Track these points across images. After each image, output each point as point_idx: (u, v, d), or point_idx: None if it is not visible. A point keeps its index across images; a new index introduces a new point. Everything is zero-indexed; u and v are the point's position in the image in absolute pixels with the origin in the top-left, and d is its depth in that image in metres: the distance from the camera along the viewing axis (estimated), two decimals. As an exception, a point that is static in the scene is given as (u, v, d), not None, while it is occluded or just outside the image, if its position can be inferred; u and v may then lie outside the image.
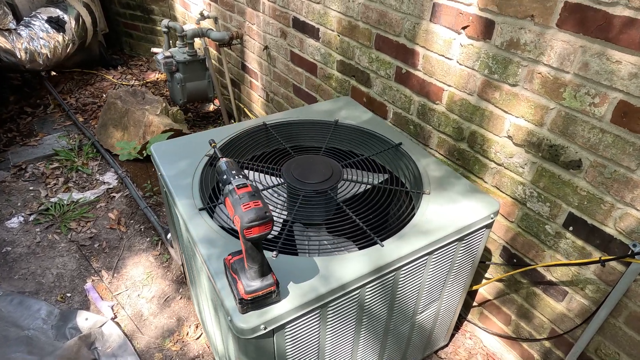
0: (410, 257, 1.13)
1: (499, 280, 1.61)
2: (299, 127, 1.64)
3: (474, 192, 1.32)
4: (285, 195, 1.36)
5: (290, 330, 1.01)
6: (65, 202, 2.57)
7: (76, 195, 2.63)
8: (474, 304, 1.78)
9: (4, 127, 3.19)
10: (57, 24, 3.34)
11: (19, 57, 3.06)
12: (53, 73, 3.95)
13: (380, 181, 1.47)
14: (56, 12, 3.39)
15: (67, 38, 3.40)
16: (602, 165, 1.17)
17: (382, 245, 1.12)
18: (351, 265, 1.07)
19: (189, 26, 3.07)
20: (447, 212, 1.24)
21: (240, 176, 0.85)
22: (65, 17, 3.41)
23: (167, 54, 2.83)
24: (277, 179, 1.39)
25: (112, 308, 2.02)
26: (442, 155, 1.66)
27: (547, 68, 1.21)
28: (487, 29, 1.33)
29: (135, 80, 3.93)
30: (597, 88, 1.12)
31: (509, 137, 1.39)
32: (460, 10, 1.38)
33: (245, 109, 3.17)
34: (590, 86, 1.13)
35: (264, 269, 0.88)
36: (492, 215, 1.26)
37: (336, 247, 1.24)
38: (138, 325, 1.96)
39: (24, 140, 3.07)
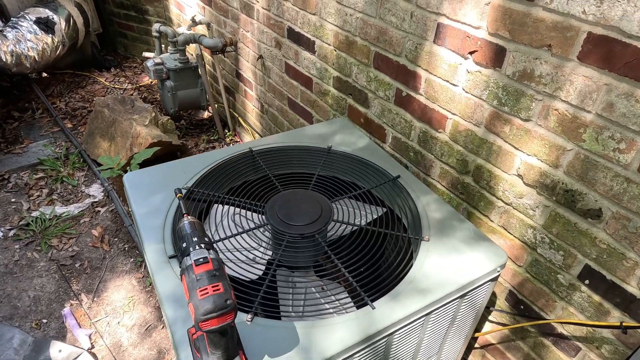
0: (405, 320, 0.99)
1: (504, 325, 1.47)
2: (288, 154, 1.50)
3: (479, 239, 1.18)
4: (269, 235, 1.22)
5: (264, 411, 0.88)
6: (47, 216, 2.45)
7: (59, 209, 2.51)
8: (476, 345, 1.64)
9: (-11, 133, 3.07)
10: (46, 25, 3.20)
11: (4, 60, 2.93)
12: (44, 74, 3.82)
13: (374, 218, 1.34)
14: (45, 12, 3.25)
15: (56, 40, 3.26)
16: (626, 217, 1.03)
17: (374, 308, 0.99)
18: (337, 334, 0.93)
19: (183, 29, 2.93)
20: (448, 265, 1.10)
21: (202, 246, 0.72)
22: (55, 18, 3.28)
23: (158, 60, 2.69)
24: (261, 216, 1.26)
25: (89, 337, 1.90)
26: (444, 187, 1.52)
27: (565, 105, 1.06)
28: (497, 57, 1.18)
29: (128, 83, 3.79)
30: (624, 132, 0.97)
31: (519, 175, 1.24)
32: (468, 33, 1.23)
33: (240, 118, 3.03)
34: (615, 129, 0.99)
35: (230, 353, 0.75)
36: (498, 269, 1.12)
37: (320, 311, 1.10)
38: (117, 356, 1.84)
39: (8, 148, 2.95)
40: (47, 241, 2.31)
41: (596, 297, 1.16)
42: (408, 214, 1.31)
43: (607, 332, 1.16)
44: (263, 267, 1.17)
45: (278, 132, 2.55)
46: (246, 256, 1.20)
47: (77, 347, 1.84)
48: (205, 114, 3.36)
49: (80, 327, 1.93)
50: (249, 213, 1.29)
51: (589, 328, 1.20)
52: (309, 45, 1.97)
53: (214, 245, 0.75)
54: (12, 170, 2.77)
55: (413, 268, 1.09)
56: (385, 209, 1.39)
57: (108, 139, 2.65)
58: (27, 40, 3.07)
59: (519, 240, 1.32)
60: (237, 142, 3.10)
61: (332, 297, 1.15)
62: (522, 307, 1.39)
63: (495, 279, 1.16)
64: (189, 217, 0.80)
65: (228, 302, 0.64)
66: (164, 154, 2.78)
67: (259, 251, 1.20)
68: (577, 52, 1.00)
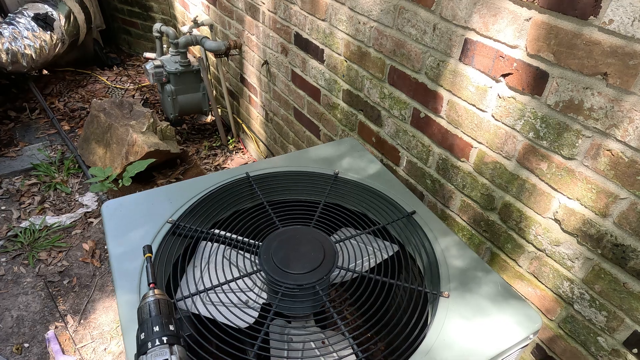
0: (419, 403, 0.83)
1: (529, 381, 1.30)
2: (290, 181, 1.34)
3: (508, 297, 1.00)
4: (263, 279, 1.06)
5: None
6: (37, 227, 2.31)
7: (50, 219, 2.38)
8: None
9: (-16, 134, 2.95)
10: (44, 22, 3.06)
11: (-1, 58, 2.80)
12: (45, 72, 3.69)
13: (384, 258, 1.17)
14: (44, 8, 3.11)
15: (55, 37, 3.12)
16: (692, 285, 0.85)
17: (382, 388, 0.82)
18: (337, 423, 0.77)
19: (187, 28, 2.77)
20: (472, 331, 0.93)
21: (165, 340, 0.55)
22: (55, 14, 3.14)
23: (157, 63, 2.53)
24: (254, 259, 1.09)
25: (72, 365, 1.76)
26: (465, 221, 1.34)
27: (621, 146, 0.88)
28: (536, 82, 1.00)
29: (130, 83, 3.65)
30: (698, 186, 0.79)
31: (557, 220, 1.06)
32: (502, 52, 1.05)
33: (243, 125, 2.87)
34: (686, 181, 0.80)
35: None
36: (531, 336, 0.95)
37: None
38: (100, 388, 1.70)
39: (2, 151, 2.82)
40: (35, 254, 2.18)
41: (646, 370, 0.98)
42: (424, 256, 1.14)
43: (658, 411, 0.98)
44: (256, 313, 1.01)
45: (283, 142, 2.39)
46: (239, 298, 1.04)
47: (58, 376, 1.70)
48: (209, 118, 3.21)
49: (63, 353, 1.80)
50: (241, 253, 1.13)
51: (635, 403, 1.02)
52: (317, 54, 1.80)
53: (182, 337, 0.59)
54: (4, 176, 2.64)
55: (430, 333, 0.92)
56: (397, 247, 1.23)
57: (104, 145, 2.50)
58: (24, 38, 2.94)
59: (551, 292, 1.14)
60: (240, 149, 2.94)
61: (335, 355, 0.99)
62: (551, 365, 1.21)
63: (526, 346, 0.99)
64: (155, 290, 0.64)
65: None
66: (163, 161, 2.64)
67: (253, 292, 1.04)
68: (641, 85, 0.82)
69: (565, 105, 0.95)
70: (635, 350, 0.99)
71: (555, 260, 1.10)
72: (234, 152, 2.92)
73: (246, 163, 2.84)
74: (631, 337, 0.99)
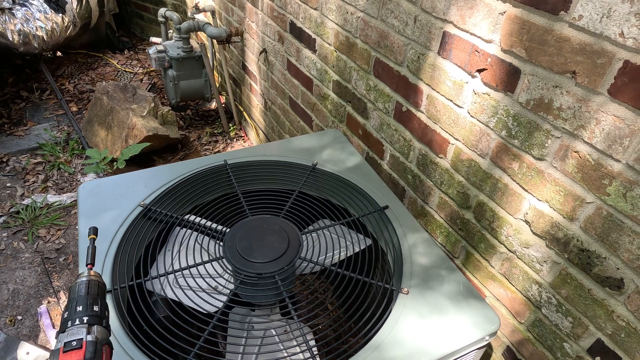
0: (362, 397, 0.83)
1: (499, 383, 1.28)
2: (266, 170, 1.34)
3: (469, 297, 0.99)
4: (229, 269, 1.07)
5: None
6: (39, 204, 2.38)
7: (52, 198, 2.44)
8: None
9: (-5, 112, 3.04)
10: (56, 4, 3.11)
11: (11, 39, 2.87)
12: (58, 53, 3.77)
13: (356, 251, 1.16)
14: (57, -10, 3.16)
15: (67, 19, 3.18)
16: (653, 296, 0.82)
17: (325, 380, 0.82)
18: (274, 411, 0.77)
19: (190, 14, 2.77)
20: (426, 329, 0.92)
21: (85, 320, 0.57)
22: (67, -3, 3.19)
23: (160, 48, 2.55)
24: (219, 245, 1.10)
25: (61, 339, 1.82)
26: (442, 218, 1.32)
27: (588, 148, 0.85)
28: (509, 79, 0.97)
29: (140, 67, 3.69)
30: (661, 193, 0.76)
31: (527, 222, 1.04)
32: (477, 47, 1.02)
33: (245, 112, 2.88)
34: (649, 187, 0.77)
35: None
36: (487, 338, 0.93)
37: None
38: (86, 363, 1.75)
39: (12, 129, 2.91)
40: (35, 231, 2.25)
41: (608, 379, 0.95)
42: (392, 251, 1.13)
43: (618, 421, 0.96)
44: (223, 298, 1.03)
45: (280, 131, 2.39)
46: (208, 284, 1.05)
47: (47, 349, 1.76)
48: (213, 105, 3.23)
49: (54, 327, 1.86)
50: (207, 240, 1.14)
51: (596, 412, 1.00)
52: (310, 43, 1.78)
53: (105, 318, 0.60)
54: (12, 153, 2.72)
55: (383, 329, 0.92)
56: (370, 241, 1.22)
57: (105, 127, 2.55)
58: (36, 20, 3.00)
59: (521, 294, 1.12)
60: (241, 137, 2.96)
61: (297, 348, 0.99)
62: (520, 368, 1.19)
63: (483, 347, 0.97)
64: (91, 271, 0.66)
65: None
66: (164, 146, 2.67)
67: (223, 278, 1.06)
68: (608, 85, 0.78)
69: (536, 104, 0.92)
70: (597, 358, 0.96)
71: (525, 263, 1.08)
72: (235, 140, 2.93)
73: (246, 151, 2.85)
74: (595, 345, 0.96)
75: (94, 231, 0.73)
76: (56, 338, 0.57)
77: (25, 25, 2.94)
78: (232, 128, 2.96)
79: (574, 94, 0.84)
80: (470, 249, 1.25)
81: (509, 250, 1.11)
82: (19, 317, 1.89)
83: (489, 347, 1.29)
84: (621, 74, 0.76)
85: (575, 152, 0.88)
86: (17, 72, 3.45)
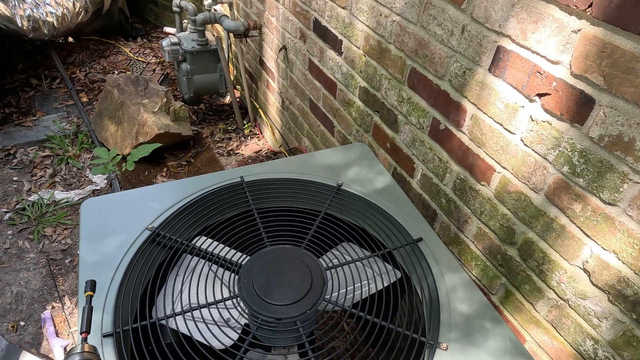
0: None
1: None
2: (287, 189, 1.22)
3: (517, 355, 0.86)
4: (245, 311, 0.95)
5: None
6: (45, 201, 2.30)
7: (59, 195, 2.36)
8: None
9: (4, 100, 2.95)
10: (68, -11, 2.99)
11: (20, 25, 2.76)
12: (70, 39, 3.66)
13: (385, 286, 1.05)
14: (69, -25, 3.03)
15: (78, 5, 3.06)
16: None
17: None
18: None
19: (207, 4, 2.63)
20: (468, 395, 0.80)
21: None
22: (79, -18, 3.06)
23: (174, 40, 2.42)
24: (234, 280, 0.99)
25: (65, 349, 1.74)
26: (479, 250, 1.19)
27: (679, 200, 0.71)
28: (579, 109, 0.82)
29: (153, 56, 3.57)
30: None
31: (586, 270, 0.90)
32: (540, 67, 0.88)
33: (260, 110, 2.75)
34: None
35: None
36: (540, 409, 0.81)
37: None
38: (89, 375, 1.67)
39: (20, 119, 2.82)
40: (40, 230, 2.17)
41: None
42: (426, 293, 1.01)
43: None
44: (235, 335, 0.92)
45: (297, 133, 2.26)
46: (221, 315, 0.95)
47: (50, 359, 1.69)
48: (227, 99, 3.10)
49: (57, 335, 1.78)
50: (221, 271, 1.03)
51: None
52: (335, 44, 1.64)
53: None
54: (20, 145, 2.63)
55: (420, 394, 0.80)
56: (399, 273, 1.10)
57: (115, 122, 2.44)
58: (47, 5, 2.88)
59: (571, 347, 0.99)
60: (256, 134, 2.83)
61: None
62: (562, 423, 1.07)
63: (532, 416, 0.85)
64: (85, 345, 0.55)
65: None
66: (175, 143, 2.56)
67: (237, 310, 0.95)
68: None
69: (612, 141, 0.78)
70: None
71: (579, 314, 0.95)
72: (249, 138, 2.81)
73: (260, 150, 2.73)
74: (661, 418, 0.84)
75: (92, 286, 0.62)
76: None
77: (35, 10, 2.83)
78: (246, 125, 2.84)
79: (666, 136, 0.70)
80: (511, 288, 1.12)
81: (560, 298, 0.98)
82: (22, 323, 1.82)
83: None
84: None
85: (659, 202, 0.74)
86: (27, 58, 3.35)
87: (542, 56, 0.87)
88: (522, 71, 0.92)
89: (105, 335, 0.84)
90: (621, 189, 0.79)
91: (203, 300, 0.96)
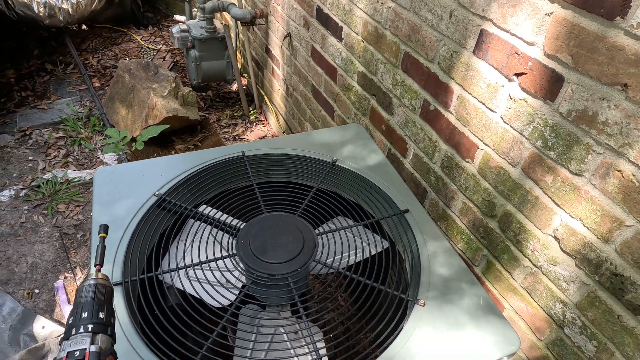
0: (371, 412, 0.80)
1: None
2: (285, 164, 1.30)
3: (488, 313, 0.94)
4: (242, 268, 1.04)
5: None
6: (59, 179, 2.41)
7: (72, 174, 2.47)
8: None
9: (21, 84, 3.06)
10: (82, -23, 3.09)
11: (37, 11, 2.86)
12: (83, 27, 3.77)
13: (372, 254, 1.13)
14: (84, -37, 3.13)
15: (92, -7, 3.16)
16: (692, 331, 0.76)
17: (334, 393, 0.80)
18: (280, 422, 0.76)
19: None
20: (442, 344, 0.88)
21: (90, 328, 0.55)
22: (93, -30, 3.16)
23: (184, 27, 2.51)
24: (232, 242, 1.08)
25: (76, 315, 1.85)
26: (464, 224, 1.27)
27: (633, 168, 0.78)
28: (551, 86, 0.90)
29: (163, 44, 3.67)
30: None
31: (556, 238, 0.98)
32: (517, 49, 0.95)
33: (266, 97, 2.83)
34: (700, 217, 0.70)
35: None
36: (505, 358, 0.89)
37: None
38: (98, 340, 1.78)
39: (35, 102, 2.93)
40: (54, 206, 2.28)
41: (631, 409, 0.91)
42: (410, 259, 1.09)
43: None
44: (232, 295, 1.01)
45: (300, 119, 2.34)
46: (223, 276, 1.03)
47: (62, 324, 1.80)
48: (234, 87, 3.19)
49: (69, 303, 1.89)
50: (221, 235, 1.12)
51: None
52: (336, 31, 1.71)
53: (110, 326, 0.58)
54: (35, 127, 2.75)
55: (396, 341, 0.88)
56: (387, 243, 1.18)
57: (126, 106, 2.54)
58: (62, -8, 2.98)
59: (543, 311, 1.07)
60: (261, 121, 2.92)
61: (306, 348, 0.97)
62: (535, 385, 1.15)
63: (501, 367, 0.93)
64: (99, 274, 0.64)
65: None
66: (183, 126, 2.66)
67: (237, 271, 1.03)
68: (663, 102, 0.71)
69: (578, 116, 0.85)
70: (622, 387, 0.91)
71: (550, 280, 1.02)
72: (255, 124, 2.90)
73: (264, 136, 2.82)
74: (620, 373, 0.91)
75: (105, 229, 0.71)
76: (60, 345, 0.55)
77: (51, -3, 2.93)
78: (252, 112, 2.93)
79: (623, 109, 0.77)
80: (492, 259, 1.20)
81: (534, 265, 1.06)
82: (36, 291, 1.93)
83: None
84: (681, 91, 0.68)
85: (618, 171, 0.81)
86: (42, 44, 3.47)
87: (520, 38, 0.94)
88: (502, 52, 0.99)
89: (115, 284, 0.93)
90: (586, 160, 0.86)
91: (204, 258, 1.05)
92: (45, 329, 1.76)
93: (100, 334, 0.55)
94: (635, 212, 0.80)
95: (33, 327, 1.76)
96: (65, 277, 1.99)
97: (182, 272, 1.03)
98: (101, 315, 0.57)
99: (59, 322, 1.81)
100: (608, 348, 0.92)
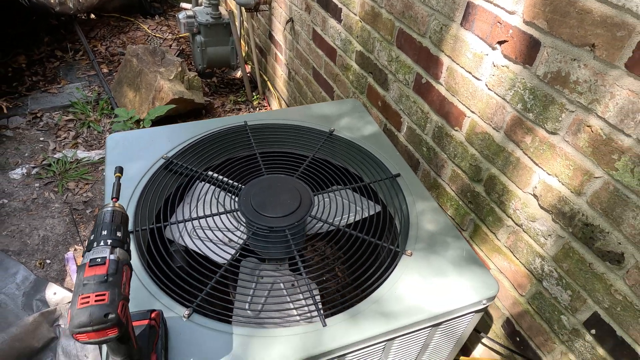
0: (359, 344, 0.88)
1: (497, 352, 1.32)
2: (285, 133, 1.38)
3: (471, 263, 1.02)
4: (243, 223, 1.12)
5: (184, 417, 0.81)
6: (69, 159, 2.50)
7: (81, 154, 2.56)
8: (465, 365, 1.50)
9: (31, 70, 3.16)
10: (92, -34, 3.17)
11: (48, -2, 2.95)
12: (92, 16, 3.86)
13: (365, 216, 1.20)
14: (93, -48, 3.22)
15: (101, -18, 3.24)
16: (651, 271, 0.83)
17: (324, 325, 0.88)
18: (277, 348, 0.84)
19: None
20: (426, 288, 0.96)
21: (109, 242, 0.63)
22: (102, -41, 3.24)
23: (190, 13, 2.59)
24: (235, 199, 1.16)
25: (85, 284, 1.94)
26: (453, 191, 1.35)
27: (601, 122, 0.85)
28: (529, 51, 0.97)
29: (169, 33, 3.75)
30: (668, 168, 0.76)
31: (535, 195, 1.05)
32: (500, 18, 1.02)
33: (268, 82, 2.91)
34: (657, 163, 0.78)
35: (134, 359, 0.67)
36: (484, 302, 0.97)
37: (277, 311, 1.00)
38: (107, 307, 1.88)
39: (46, 87, 3.02)
40: (64, 183, 2.37)
41: (601, 351, 0.98)
42: (400, 216, 1.17)
43: (607, 392, 0.99)
44: (230, 256, 1.09)
45: (302, 102, 2.42)
46: (219, 237, 1.12)
47: (71, 290, 1.89)
48: (238, 73, 3.27)
49: (79, 272, 1.98)
50: (224, 195, 1.20)
51: (586, 383, 1.03)
52: (336, 13, 1.79)
53: (126, 243, 0.66)
54: (46, 110, 2.84)
55: (384, 285, 0.96)
56: (379, 207, 1.25)
57: (134, 89, 2.63)
58: (72, -20, 3.07)
59: (524, 268, 1.14)
60: (264, 106, 3.00)
61: (299, 303, 1.05)
62: (517, 339, 1.23)
63: (481, 311, 1.01)
64: (116, 203, 0.72)
65: (109, 316, 0.55)
66: (188, 110, 2.74)
67: (235, 236, 1.12)
68: (625, 58, 0.78)
69: (553, 77, 0.93)
70: (593, 331, 0.99)
71: (530, 236, 1.10)
72: (258, 109, 2.98)
73: (267, 120, 2.90)
74: (591, 318, 0.99)
75: (120, 170, 0.79)
76: (82, 256, 0.63)
77: (61, -15, 3.02)
78: (255, 97, 3.01)
79: (591, 67, 0.84)
80: (479, 222, 1.27)
81: (516, 224, 1.13)
82: (48, 261, 2.03)
83: (488, 318, 1.33)
84: (639, 47, 0.76)
85: (588, 126, 0.88)
86: (52, 32, 3.56)
87: (502, 8, 1.01)
88: (487, 23, 1.06)
89: (127, 232, 1.02)
90: (560, 119, 0.94)
91: (208, 212, 1.13)
92: (56, 295, 1.85)
93: (118, 248, 0.63)
94: (603, 163, 0.87)
95: (45, 293, 1.85)
96: (75, 249, 2.08)
97: (188, 226, 1.11)
98: (118, 234, 0.65)
99: (69, 289, 1.90)
100: (581, 296, 1.00)
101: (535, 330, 1.16)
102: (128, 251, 0.66)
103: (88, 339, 0.56)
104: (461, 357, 1.38)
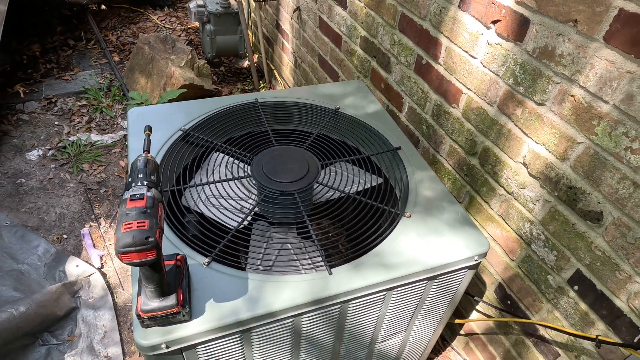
0: (361, 291, 0.97)
1: (488, 316, 1.41)
2: (293, 110, 1.47)
3: (464, 224, 1.11)
4: (255, 189, 1.22)
5: (204, 351, 0.91)
6: (83, 142, 2.60)
7: (95, 137, 2.66)
8: (461, 332, 1.60)
9: (45, 57, 3.26)
10: (104, -43, 3.27)
11: (62, -12, 3.05)
12: (103, 7, 3.95)
13: (368, 187, 1.30)
14: (105, -56, 3.31)
15: (113, -27, 3.33)
16: (626, 225, 0.92)
17: (330, 273, 0.97)
18: (287, 291, 0.93)
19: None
20: (422, 244, 1.05)
21: (145, 183, 0.72)
22: (114, -49, 3.33)
23: (200, 2, 2.68)
24: (246, 167, 1.25)
25: (101, 257, 2.04)
26: (451, 166, 1.44)
27: (583, 91, 0.94)
28: (520, 29, 1.06)
29: (178, 24, 3.84)
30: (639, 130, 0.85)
31: (525, 164, 1.14)
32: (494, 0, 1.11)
33: (275, 71, 3.00)
34: (630, 125, 0.87)
35: (164, 289, 0.77)
36: (476, 257, 1.06)
37: (286, 267, 1.10)
38: (122, 279, 1.98)
39: (60, 74, 3.12)
40: (79, 165, 2.47)
41: (583, 306, 1.07)
42: (400, 184, 1.26)
43: (589, 343, 1.08)
44: (244, 216, 1.18)
45: (307, 89, 2.50)
46: (232, 205, 1.21)
47: (92, 265, 1.99)
48: (246, 63, 3.36)
49: (94, 247, 2.09)
50: (237, 163, 1.29)
51: (570, 336, 1.13)
52: (341, 0, 1.87)
53: (159, 186, 0.75)
54: (60, 95, 2.94)
55: (385, 242, 1.05)
56: (381, 179, 1.35)
57: (146, 75, 2.72)
58: (86, -29, 3.16)
59: (515, 233, 1.24)
60: (270, 95, 3.09)
61: (307, 256, 1.14)
62: (509, 302, 1.32)
63: (473, 267, 1.10)
64: (148, 154, 0.81)
65: (149, 239, 0.65)
66: (198, 97, 2.84)
67: (247, 202, 1.21)
68: (603, 32, 0.87)
69: (541, 52, 1.01)
70: (576, 287, 1.08)
71: (520, 203, 1.19)
72: (264, 97, 3.07)
73: (274, 108, 2.99)
74: (574, 275, 1.08)
75: (149, 128, 0.89)
76: (122, 195, 0.73)
77: (75, -25, 3.11)
78: (262, 85, 3.10)
79: (574, 41, 0.93)
80: (474, 193, 1.36)
81: (507, 192, 1.22)
82: (65, 236, 2.13)
83: (482, 284, 1.42)
84: (616, 20, 0.84)
85: (571, 96, 0.97)
86: (65, 22, 3.66)
87: (496, -11, 1.10)
88: (482, 4, 1.15)
89: (150, 193, 1.11)
90: (547, 90, 1.03)
91: (224, 177, 1.23)
92: (79, 267, 1.95)
93: (153, 188, 0.73)
94: (584, 129, 0.96)
95: (67, 265, 1.96)
96: (90, 226, 2.19)
97: (201, 198, 1.21)
98: (152, 177, 0.75)
99: (86, 262, 2.00)
100: (565, 255, 1.09)
101: (525, 292, 1.25)
102: (161, 192, 0.75)
103: (131, 259, 0.65)
104: (456, 320, 1.47)
